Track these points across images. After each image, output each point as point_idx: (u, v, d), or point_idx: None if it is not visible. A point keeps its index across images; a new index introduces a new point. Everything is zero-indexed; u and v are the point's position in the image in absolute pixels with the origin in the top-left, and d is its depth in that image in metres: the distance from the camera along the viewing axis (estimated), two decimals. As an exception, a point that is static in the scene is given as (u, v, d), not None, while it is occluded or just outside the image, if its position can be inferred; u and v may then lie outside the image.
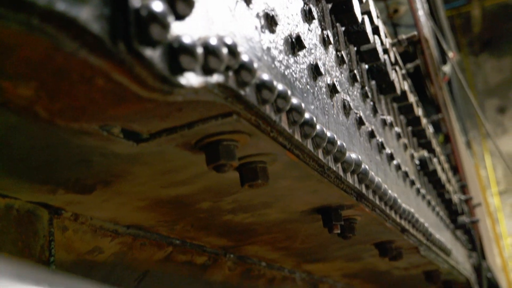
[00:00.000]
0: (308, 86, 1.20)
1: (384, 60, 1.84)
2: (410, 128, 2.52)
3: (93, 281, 0.43)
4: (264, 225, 1.65)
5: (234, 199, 1.38)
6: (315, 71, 1.25)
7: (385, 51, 1.93)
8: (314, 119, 1.14)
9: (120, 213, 1.36)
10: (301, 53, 1.19)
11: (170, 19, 0.67)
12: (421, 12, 4.04)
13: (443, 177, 2.87)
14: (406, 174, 2.12)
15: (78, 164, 1.03)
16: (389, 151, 1.87)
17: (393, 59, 2.03)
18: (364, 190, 1.52)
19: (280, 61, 1.06)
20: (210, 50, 0.75)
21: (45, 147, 0.94)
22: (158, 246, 1.62)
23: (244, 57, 0.86)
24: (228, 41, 0.81)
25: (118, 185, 1.17)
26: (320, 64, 1.27)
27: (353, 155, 1.40)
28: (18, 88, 0.69)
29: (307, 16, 1.29)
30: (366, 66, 1.81)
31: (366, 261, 2.46)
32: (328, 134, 1.23)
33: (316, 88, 1.25)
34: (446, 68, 4.88)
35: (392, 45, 2.13)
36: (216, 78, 0.79)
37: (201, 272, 1.89)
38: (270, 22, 1.06)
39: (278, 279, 2.38)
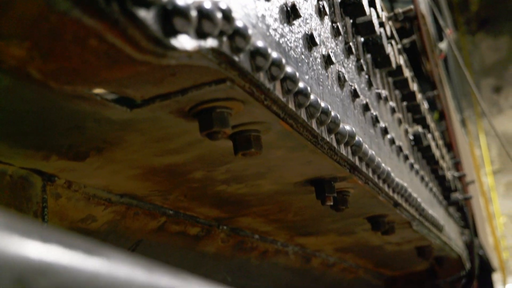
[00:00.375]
0: (303, 56, 1.19)
1: (380, 33, 1.83)
2: (405, 103, 2.52)
3: (86, 238, 0.43)
4: (257, 197, 1.66)
5: (227, 169, 1.38)
6: (310, 41, 1.25)
7: (381, 24, 1.93)
8: (309, 88, 1.14)
9: (113, 181, 1.36)
10: (296, 23, 1.19)
11: (164, -20, 0.66)
12: (418, -12, 4.03)
13: (437, 153, 2.87)
14: (400, 149, 2.12)
15: (72, 130, 1.03)
16: (383, 125, 1.88)
17: (389, 33, 2.03)
18: (357, 163, 1.53)
19: (275, 30, 1.06)
20: (204, 14, 0.75)
21: (38, 111, 0.94)
22: (151, 216, 1.62)
23: (239, 23, 0.86)
24: (223, 5, 0.81)
25: (112, 153, 1.17)
26: (315, 34, 1.27)
27: (347, 127, 1.40)
28: (11, 48, 0.69)
29: (303, -14, 1.29)
30: (362, 39, 1.80)
31: (359, 236, 2.47)
32: (322, 104, 1.23)
33: (311, 59, 1.25)
34: (443, 45, 4.87)
35: (388, 18, 2.12)
36: (210, 42, 0.79)
37: (194, 243, 1.90)
38: (265, -11, 1.05)
39: (270, 252, 2.39)
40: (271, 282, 2.61)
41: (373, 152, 1.61)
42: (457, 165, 3.97)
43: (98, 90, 0.87)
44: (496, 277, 6.56)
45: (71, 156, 1.16)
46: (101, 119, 1.00)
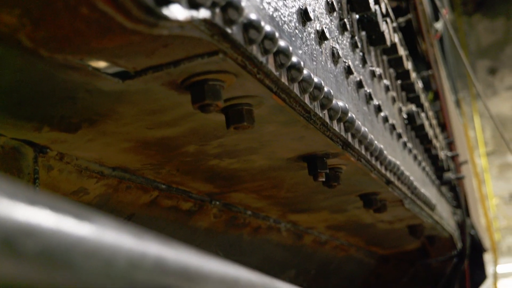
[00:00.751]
0: (296, 31, 1.19)
1: (375, 10, 1.83)
2: (399, 82, 2.51)
3: (75, 203, 0.42)
4: (249, 172, 1.66)
5: (220, 143, 1.38)
6: (304, 16, 1.25)
7: (377, 1, 1.92)
8: (302, 63, 1.14)
9: (105, 154, 1.36)
10: (290, -3, 1.18)
11: None
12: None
13: (430, 132, 2.88)
14: (393, 127, 2.13)
15: (63, 100, 1.03)
16: (376, 103, 1.88)
17: (384, 11, 2.02)
18: (350, 139, 1.53)
19: (269, 3, 1.06)
20: (196, -16, 0.75)
21: (29, 81, 0.94)
22: (144, 190, 1.62)
23: (232, -6, 0.86)
24: (216, -24, 0.80)
25: (104, 125, 1.17)
26: (309, 9, 1.26)
27: (340, 103, 1.40)
28: (2, 15, 0.69)
29: (298, -40, 1.28)
30: (357, 16, 1.80)
31: (351, 213, 2.48)
32: (316, 80, 1.23)
33: (304, 34, 1.24)
34: (438, 25, 4.86)
35: (384, -4, 2.11)
36: (202, 13, 0.78)
37: (186, 218, 1.90)
38: (259, -38, 1.05)
39: (263, 228, 2.40)
40: (263, 258, 2.62)
41: (366, 129, 1.62)
42: (450, 145, 3.98)
43: (89, 60, 0.87)
44: (488, 257, 6.60)
45: (63, 127, 1.15)
46: (93, 90, 0.99)
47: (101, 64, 0.90)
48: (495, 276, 6.87)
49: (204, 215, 1.96)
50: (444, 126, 4.07)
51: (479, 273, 5.23)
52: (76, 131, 1.18)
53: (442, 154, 3.36)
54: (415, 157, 2.57)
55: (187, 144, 1.36)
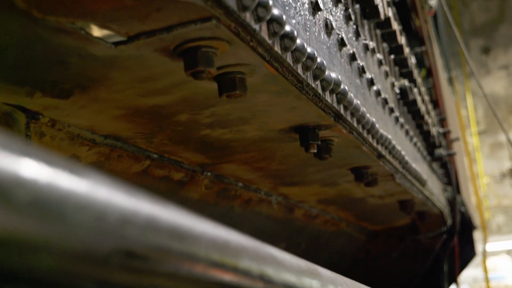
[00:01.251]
0: (290, 0, 1.19)
1: (369, -17, 1.83)
2: (392, 56, 2.51)
3: (67, 158, 0.42)
4: (241, 143, 1.66)
5: (212, 112, 1.38)
6: (298, -15, 1.24)
7: (371, -26, 1.92)
8: (295, 32, 1.14)
9: (97, 121, 1.36)
10: (284, -35, 1.18)
11: None
12: None
13: (422, 108, 2.88)
14: (385, 101, 2.13)
15: (55, 65, 1.02)
16: (369, 76, 1.88)
17: (378, -16, 2.02)
18: (342, 111, 1.53)
19: (263, -29, 1.05)
20: None
21: (21, 44, 0.94)
22: (136, 159, 1.62)
23: (226, -40, 0.85)
24: None
25: (96, 91, 1.17)
26: (303, -21, 1.26)
27: (333, 75, 1.40)
28: (-6, -26, 0.69)
29: None
30: (351, -11, 1.79)
31: (342, 187, 2.48)
32: (309, 50, 1.23)
33: (298, 3, 1.24)
34: (433, 2, 4.85)
35: (379, -31, 2.11)
36: (196, -23, 0.78)
37: (177, 188, 1.91)
38: None
39: (254, 200, 2.41)
40: (253, 231, 2.63)
41: (358, 102, 1.62)
42: (442, 122, 3.99)
43: (82, 24, 0.87)
44: (478, 236, 6.65)
45: (55, 93, 1.15)
46: (85, 55, 0.99)
47: (94, 28, 0.89)
48: (484, 254, 6.93)
49: (195, 186, 1.96)
50: (436, 103, 4.07)
51: (469, 250, 5.26)
52: (68, 97, 1.18)
53: (434, 130, 3.37)
54: (406, 132, 2.57)
55: (179, 112, 1.36)
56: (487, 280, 7.39)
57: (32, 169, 0.41)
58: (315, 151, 1.59)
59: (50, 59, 1.00)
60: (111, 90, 1.17)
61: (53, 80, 1.09)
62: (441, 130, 3.72)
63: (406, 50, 2.62)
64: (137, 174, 1.68)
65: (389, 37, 2.35)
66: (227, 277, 0.64)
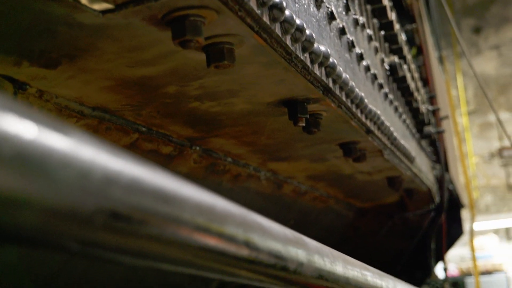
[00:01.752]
0: (279, -29, 1.18)
1: (360, -43, 1.82)
2: (382, 33, 2.51)
3: (54, 116, 0.42)
4: (230, 116, 1.66)
5: (200, 84, 1.38)
6: (287, -44, 1.24)
7: (361, -52, 1.91)
8: (284, 3, 1.13)
9: (85, 92, 1.36)
10: None
11: None
12: None
13: (412, 85, 2.88)
14: (375, 77, 2.13)
15: (43, 33, 1.02)
16: (359, 51, 1.88)
17: (369, -41, 2.01)
18: (331, 84, 1.53)
19: None
20: None
21: (7, 12, 0.93)
22: (124, 131, 1.62)
23: None
24: None
25: (84, 61, 1.17)
26: (293, -50, 1.25)
27: (322, 47, 1.40)
28: None
29: None
30: (341, -37, 1.79)
31: (331, 163, 2.49)
32: (298, 21, 1.23)
33: (287, -25, 1.24)
34: (424, -20, 4.84)
35: None
36: None
37: (166, 162, 1.91)
38: None
39: (243, 176, 2.41)
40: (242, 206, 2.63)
41: (347, 76, 1.62)
42: (432, 100, 3.99)
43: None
44: (466, 215, 6.68)
45: (42, 62, 1.15)
46: (73, 23, 0.99)
47: (81, -5, 0.89)
48: (472, 233, 6.97)
49: (184, 160, 1.96)
50: (426, 81, 4.07)
51: (456, 228, 5.30)
52: (56, 67, 1.18)
53: (423, 107, 3.37)
54: (396, 109, 2.58)
55: (167, 84, 1.36)
56: (474, 259, 7.44)
57: (16, 124, 0.41)
58: (304, 124, 1.59)
59: (37, 28, 0.99)
60: (99, 60, 1.16)
61: (41, 49, 1.09)
62: (430, 107, 3.72)
63: (397, 26, 2.61)
64: (126, 148, 1.67)
65: (379, 12, 2.34)
66: (212, 242, 0.65)
